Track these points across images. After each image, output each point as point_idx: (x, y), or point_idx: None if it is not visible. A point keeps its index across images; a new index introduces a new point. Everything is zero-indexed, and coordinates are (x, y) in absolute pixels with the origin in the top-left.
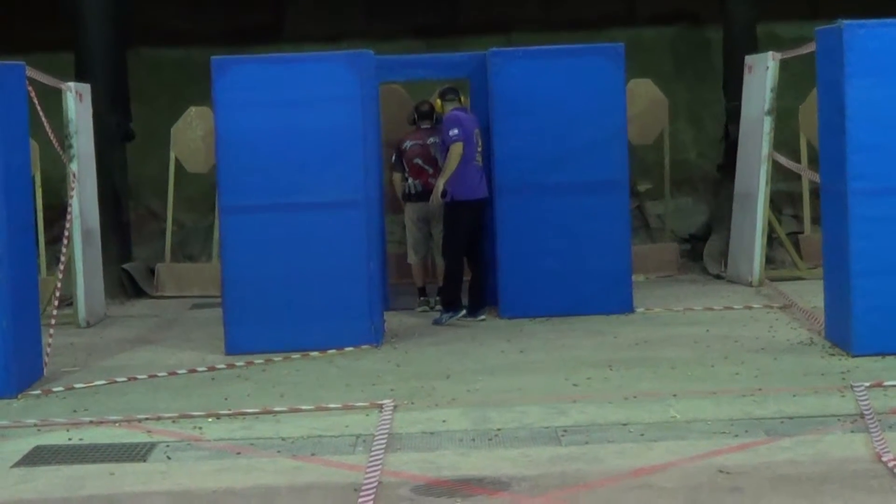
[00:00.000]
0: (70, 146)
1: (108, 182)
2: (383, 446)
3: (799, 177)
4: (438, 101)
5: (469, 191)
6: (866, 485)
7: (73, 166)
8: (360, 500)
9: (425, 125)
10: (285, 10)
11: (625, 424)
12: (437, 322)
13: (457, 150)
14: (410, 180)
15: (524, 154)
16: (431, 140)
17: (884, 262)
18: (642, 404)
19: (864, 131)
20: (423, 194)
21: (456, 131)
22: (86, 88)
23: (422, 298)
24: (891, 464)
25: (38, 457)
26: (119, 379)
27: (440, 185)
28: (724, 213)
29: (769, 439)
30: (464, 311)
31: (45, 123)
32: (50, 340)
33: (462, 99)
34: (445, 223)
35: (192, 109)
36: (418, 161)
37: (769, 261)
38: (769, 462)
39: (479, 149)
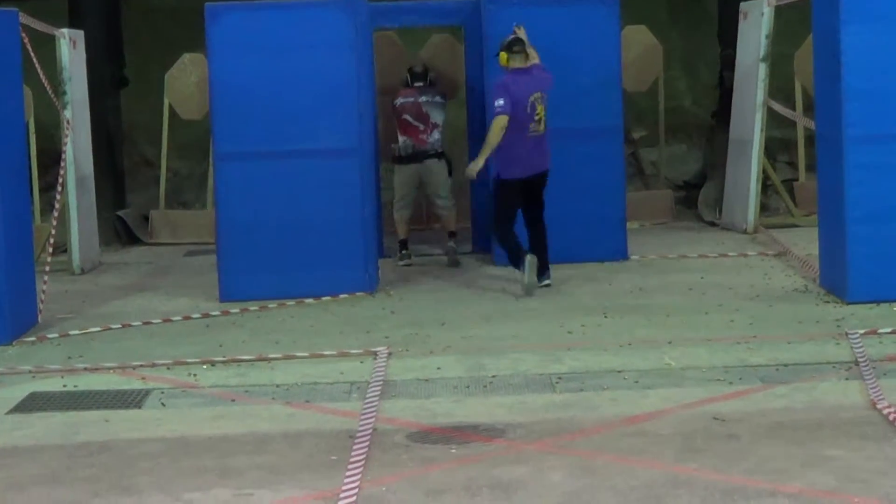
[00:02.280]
0: (64, 93)
1: (102, 129)
2: (378, 393)
3: (794, 123)
4: (504, 55)
5: (519, 169)
6: (861, 432)
7: (67, 113)
8: (355, 446)
9: (418, 85)
10: None
11: (619, 371)
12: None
13: (499, 123)
14: (402, 139)
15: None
16: (424, 98)
17: (878, 208)
18: (637, 351)
19: (859, 78)
20: (417, 155)
21: (501, 102)
22: (79, 35)
23: (403, 252)
24: (885, 411)
25: (32, 403)
26: (114, 326)
27: (480, 161)
28: (719, 161)
29: (764, 386)
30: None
31: (39, 70)
32: (44, 287)
33: (529, 53)
34: (494, 199)
35: (186, 56)
36: (407, 117)
37: (764, 208)
38: (764, 409)
39: (538, 116)
